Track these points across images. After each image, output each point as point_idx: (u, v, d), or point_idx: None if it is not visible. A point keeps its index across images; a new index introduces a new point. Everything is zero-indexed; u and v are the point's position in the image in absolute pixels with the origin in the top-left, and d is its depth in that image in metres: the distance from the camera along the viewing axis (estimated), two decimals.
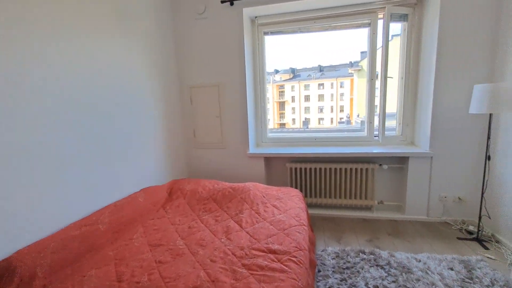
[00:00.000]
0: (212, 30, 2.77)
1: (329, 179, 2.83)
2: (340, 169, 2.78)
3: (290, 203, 2.06)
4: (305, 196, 2.91)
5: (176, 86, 2.91)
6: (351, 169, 2.76)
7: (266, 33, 2.96)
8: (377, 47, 2.74)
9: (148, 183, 2.34)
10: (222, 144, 2.94)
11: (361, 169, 2.73)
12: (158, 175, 2.56)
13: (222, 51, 2.78)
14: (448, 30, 2.31)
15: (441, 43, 2.34)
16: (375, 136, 2.90)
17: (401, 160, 2.69)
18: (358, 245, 2.24)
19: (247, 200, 2.07)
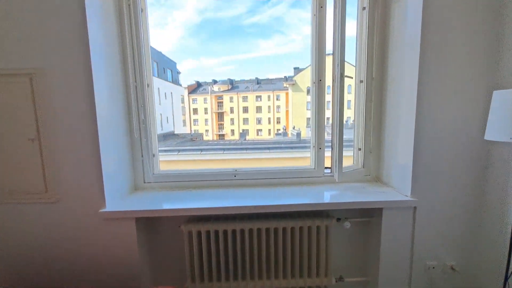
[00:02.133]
0: None
1: (257, 247, 1.57)
2: (276, 229, 1.56)
3: None
4: (218, 279, 1.58)
5: None
6: (292, 228, 1.56)
7: None
8: (327, 34, 1.66)
9: None
10: (48, 195, 1.40)
11: (309, 228, 1.56)
12: None
13: (40, 4, 1.28)
14: (436, 8, 1.36)
15: (426, 28, 1.37)
16: (326, 170, 1.79)
17: (368, 211, 1.62)
18: None
19: None
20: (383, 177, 1.74)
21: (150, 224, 1.59)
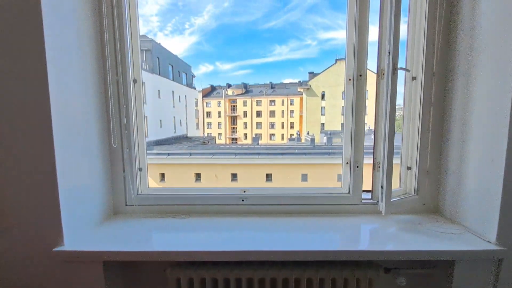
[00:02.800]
0: None
1: None
2: (297, 281, 1.10)
3: None
4: None
5: None
6: (321, 280, 1.10)
7: None
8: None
9: None
10: None
11: (345, 281, 1.10)
12: None
13: None
14: None
15: None
16: (365, 197, 1.32)
17: (430, 261, 1.14)
18: None
19: None
20: (446, 208, 1.25)
21: (124, 267, 1.18)
